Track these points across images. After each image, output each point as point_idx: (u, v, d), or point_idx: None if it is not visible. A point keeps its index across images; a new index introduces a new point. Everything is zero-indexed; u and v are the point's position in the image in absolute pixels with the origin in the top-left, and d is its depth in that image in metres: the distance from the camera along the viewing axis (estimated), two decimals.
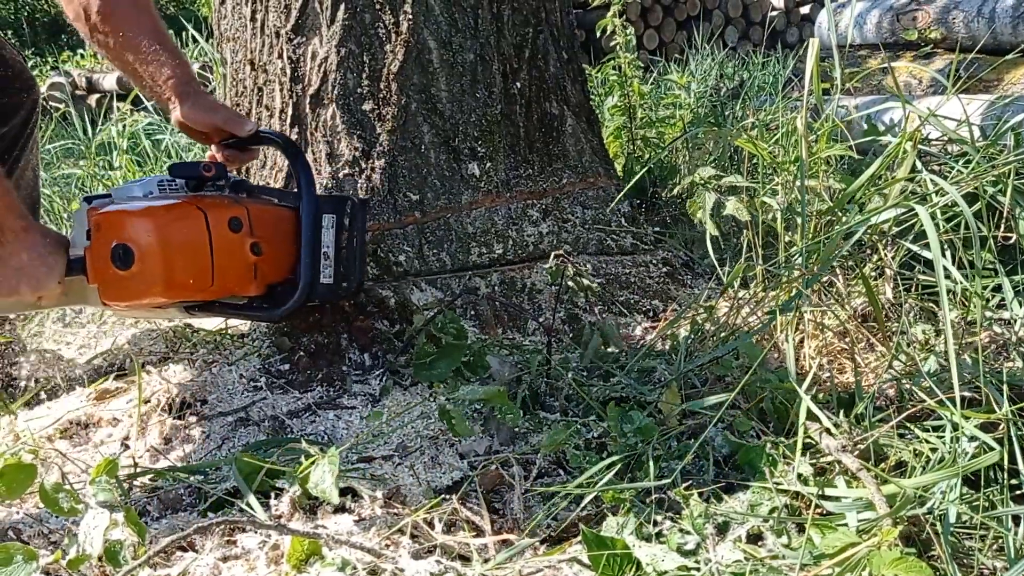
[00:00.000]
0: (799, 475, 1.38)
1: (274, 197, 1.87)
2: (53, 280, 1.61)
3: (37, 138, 2.13)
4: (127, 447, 1.75)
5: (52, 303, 1.72)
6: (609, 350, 1.93)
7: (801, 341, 1.75)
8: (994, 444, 1.26)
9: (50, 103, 6.09)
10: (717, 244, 2.20)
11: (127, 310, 1.77)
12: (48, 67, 10.50)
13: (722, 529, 1.33)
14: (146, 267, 1.59)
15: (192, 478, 1.58)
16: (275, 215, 1.75)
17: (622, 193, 2.26)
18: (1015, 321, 1.74)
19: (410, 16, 2.03)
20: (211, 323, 2.19)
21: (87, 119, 4.53)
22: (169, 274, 1.60)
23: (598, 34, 3.53)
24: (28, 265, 1.59)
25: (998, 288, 1.74)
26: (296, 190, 1.76)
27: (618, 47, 3.18)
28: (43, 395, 1.98)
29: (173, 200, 1.66)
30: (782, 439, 1.48)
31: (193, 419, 1.82)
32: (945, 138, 2.21)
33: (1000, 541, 1.26)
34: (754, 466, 1.45)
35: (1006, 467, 1.29)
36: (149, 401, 1.84)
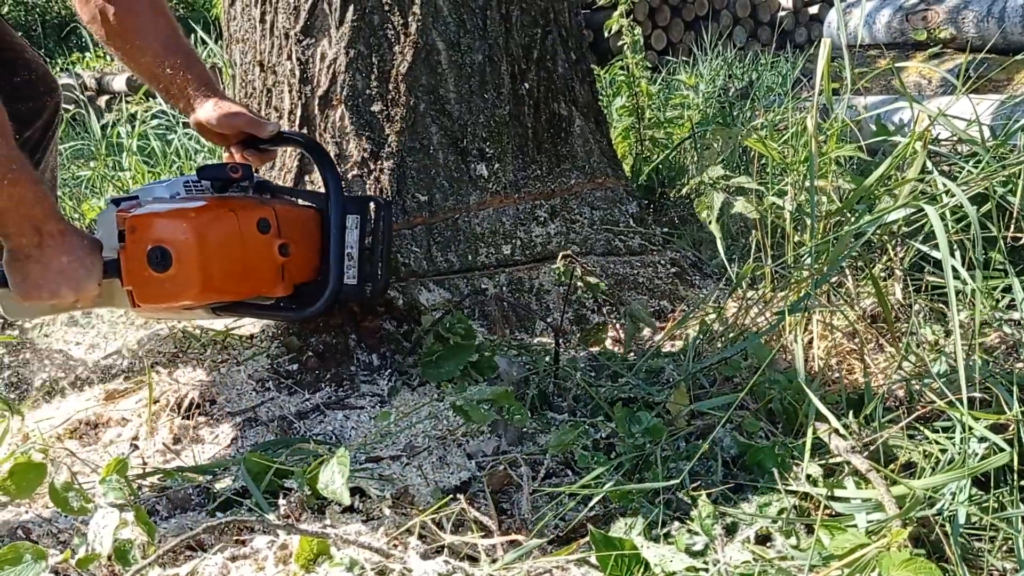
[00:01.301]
0: (808, 476, 1.37)
1: (297, 198, 1.88)
2: (93, 282, 1.61)
3: (57, 141, 2.14)
4: (136, 447, 1.76)
5: (88, 305, 1.73)
6: (645, 333, 1.92)
7: (810, 342, 1.75)
8: (1004, 445, 1.26)
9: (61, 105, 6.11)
10: (726, 244, 2.19)
11: (156, 312, 1.77)
12: (58, 68, 10.54)
13: (731, 530, 1.33)
14: (183, 269, 1.59)
15: (201, 478, 1.59)
16: (301, 216, 1.76)
17: (636, 195, 2.25)
18: None
19: (419, 17, 2.03)
20: (219, 323, 2.19)
21: (97, 120, 4.55)
22: (206, 276, 1.61)
23: (606, 34, 3.53)
24: (68, 268, 1.58)
25: (1008, 289, 1.73)
26: (314, 190, 1.76)
27: (625, 47, 3.17)
28: (52, 395, 1.98)
29: (203, 202, 1.67)
30: (791, 440, 1.48)
31: (202, 419, 1.83)
32: (955, 138, 2.20)
33: (1010, 543, 1.26)
34: (763, 467, 1.44)
35: (1016, 468, 1.28)
36: (158, 401, 1.85)
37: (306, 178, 2.11)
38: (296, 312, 1.76)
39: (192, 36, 6.09)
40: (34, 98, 1.97)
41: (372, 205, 1.81)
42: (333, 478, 1.39)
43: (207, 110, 1.79)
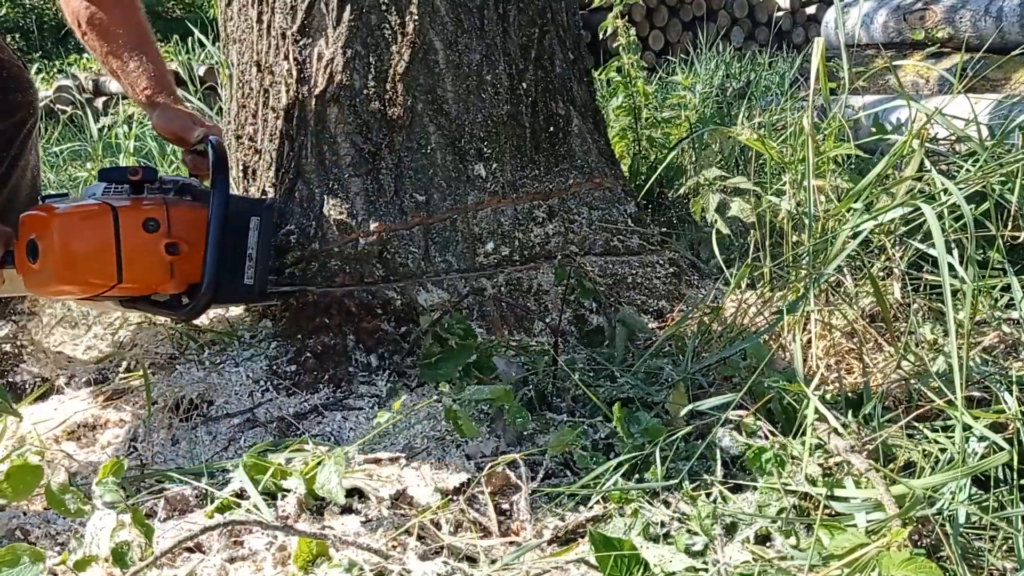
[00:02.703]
0: (807, 476, 1.37)
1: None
2: None
3: (36, 142, 2.15)
4: (134, 448, 1.75)
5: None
6: (637, 336, 1.93)
7: (809, 341, 1.74)
8: (1004, 444, 1.26)
9: (57, 106, 6.11)
10: (724, 244, 2.19)
11: (57, 299, 1.91)
12: (56, 70, 10.53)
13: (730, 530, 1.33)
14: (47, 261, 1.70)
15: (200, 479, 1.58)
16: (200, 217, 1.82)
17: (635, 195, 2.25)
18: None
19: (416, 17, 2.03)
20: (219, 325, 2.19)
21: (94, 121, 4.54)
22: (68, 269, 1.70)
23: (601, 35, 3.53)
24: None
25: (1007, 287, 1.73)
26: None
27: (621, 48, 3.17)
28: (49, 396, 1.98)
29: (91, 201, 1.76)
30: (790, 440, 1.48)
31: (200, 420, 1.82)
32: (953, 137, 2.20)
33: (1010, 542, 1.26)
34: (762, 467, 1.44)
35: (1016, 467, 1.28)
36: (156, 402, 1.84)
37: (302, 178, 2.11)
38: (181, 309, 1.83)
39: (188, 39, 6.09)
40: (5, 93, 2.02)
41: (268, 207, 1.92)
42: (328, 478, 1.39)
43: (155, 116, 1.92)
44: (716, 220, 2.07)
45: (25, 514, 1.51)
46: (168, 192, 1.86)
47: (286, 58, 2.10)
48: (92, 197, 1.80)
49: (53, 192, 2.00)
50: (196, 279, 1.80)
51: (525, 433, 1.66)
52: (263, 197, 2.09)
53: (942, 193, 1.63)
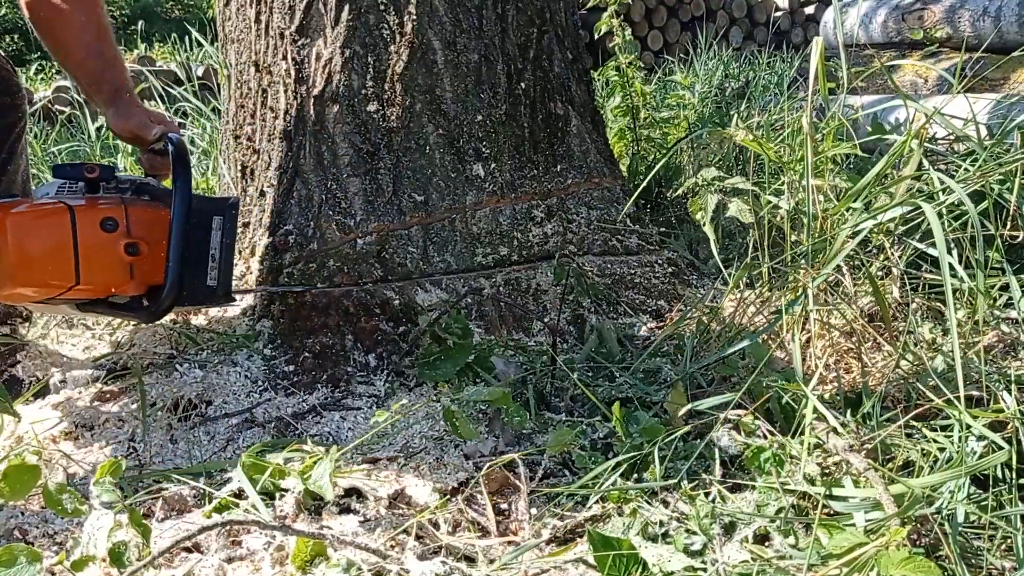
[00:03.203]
0: (806, 475, 1.37)
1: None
2: None
3: (25, 146, 2.13)
4: (132, 448, 1.75)
5: None
6: (603, 348, 1.92)
7: (807, 341, 1.74)
8: (1003, 443, 1.25)
9: (55, 106, 6.10)
10: (722, 244, 2.19)
11: (15, 302, 1.82)
12: (54, 71, 10.52)
13: (729, 529, 1.32)
14: (1, 262, 1.63)
15: (198, 480, 1.58)
16: (159, 217, 1.77)
17: (633, 195, 2.25)
18: (1023, 320, 1.72)
19: (414, 17, 2.03)
20: (218, 325, 2.18)
21: (92, 122, 4.54)
22: (23, 269, 1.64)
23: (595, 35, 3.53)
24: None
25: (1006, 287, 1.73)
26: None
27: (617, 48, 3.17)
28: (47, 395, 1.97)
29: (46, 200, 1.71)
30: (789, 439, 1.47)
31: (198, 420, 1.82)
32: (951, 136, 2.20)
33: (1009, 541, 1.25)
34: (760, 466, 1.44)
35: (1014, 466, 1.28)
36: (154, 403, 1.84)
37: (300, 178, 2.10)
38: (143, 311, 1.77)
39: (186, 39, 6.08)
40: None
41: (230, 207, 1.83)
42: (321, 475, 1.39)
43: (111, 115, 1.85)
44: (704, 223, 2.06)
45: (23, 514, 1.51)
46: (125, 192, 1.80)
47: (284, 58, 2.10)
48: (46, 196, 1.74)
49: (9, 193, 1.93)
50: (157, 280, 1.74)
51: (523, 433, 1.66)
52: (226, 196, 2.02)
53: (941, 192, 1.63)
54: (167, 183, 1.82)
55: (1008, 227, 1.71)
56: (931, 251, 1.65)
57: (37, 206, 1.69)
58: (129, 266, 1.71)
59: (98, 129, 4.48)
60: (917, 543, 1.25)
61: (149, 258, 1.73)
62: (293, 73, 2.09)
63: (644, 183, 2.35)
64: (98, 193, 1.77)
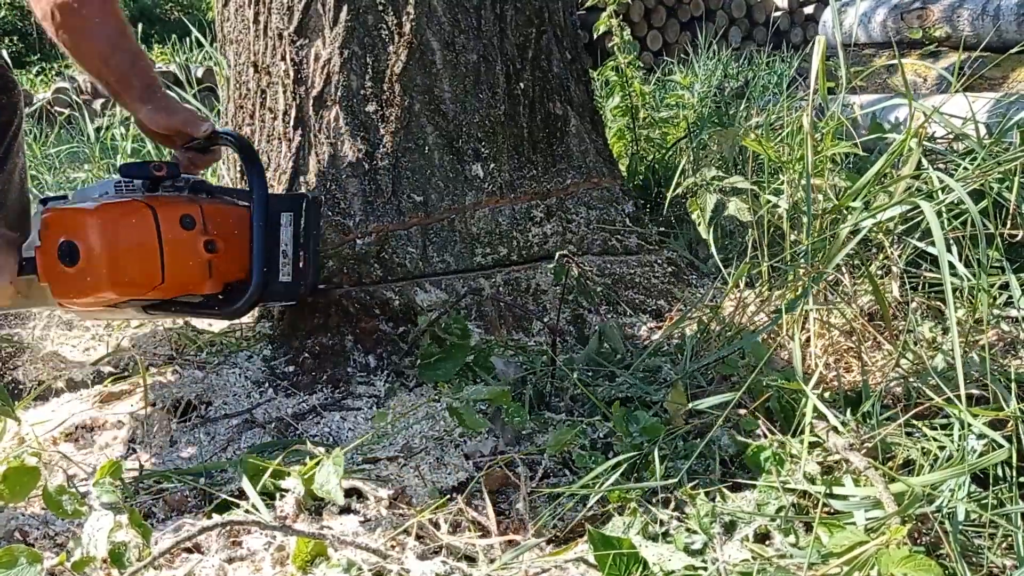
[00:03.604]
0: (806, 474, 1.37)
1: (236, 198, 1.86)
2: (4, 279, 1.63)
3: (22, 143, 2.12)
4: (132, 449, 1.75)
5: (8, 304, 1.74)
6: (604, 347, 1.92)
7: (807, 340, 1.74)
8: (1003, 442, 1.25)
9: (55, 108, 6.10)
10: (722, 243, 2.19)
11: (82, 309, 1.76)
12: (54, 72, 10.54)
13: (729, 528, 1.32)
14: (91, 263, 1.59)
15: (198, 480, 1.58)
16: (231, 213, 1.76)
17: (632, 195, 2.25)
18: (1022, 319, 1.73)
19: (413, 17, 2.03)
20: (217, 325, 2.19)
21: (91, 123, 4.54)
22: (114, 270, 1.61)
23: (594, 35, 3.53)
24: None
25: (1005, 285, 1.73)
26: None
27: (616, 47, 3.17)
28: (47, 398, 1.97)
29: (123, 198, 1.67)
30: (789, 438, 1.47)
31: (198, 421, 1.82)
32: (951, 135, 2.20)
33: (1009, 539, 1.25)
34: (761, 465, 1.44)
35: (1015, 465, 1.28)
36: (154, 404, 1.84)
37: (300, 179, 2.10)
38: (224, 310, 1.76)
39: (186, 38, 6.08)
40: None
41: (304, 202, 1.82)
42: (328, 478, 1.39)
43: (146, 112, 1.80)
44: (703, 223, 2.06)
45: (23, 515, 1.50)
46: (182, 190, 1.77)
47: (283, 59, 2.10)
48: (106, 196, 1.69)
49: (51, 194, 1.91)
50: (233, 277, 1.73)
51: (523, 433, 1.66)
52: (297, 193, 1.99)
53: (940, 191, 1.63)
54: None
55: (1008, 225, 1.71)
56: (931, 250, 1.65)
57: (116, 205, 1.64)
58: (208, 263, 1.69)
59: (97, 130, 4.48)
60: (918, 541, 1.25)
61: (224, 255, 1.71)
62: (292, 74, 2.09)
63: (644, 184, 2.35)
64: (158, 192, 1.73)
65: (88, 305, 1.71)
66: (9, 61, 2.04)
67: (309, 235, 1.82)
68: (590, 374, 1.82)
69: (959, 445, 1.31)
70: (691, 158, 2.93)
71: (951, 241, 1.60)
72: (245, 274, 1.74)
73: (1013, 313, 1.79)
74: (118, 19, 1.81)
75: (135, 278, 1.63)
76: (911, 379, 1.59)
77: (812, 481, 1.36)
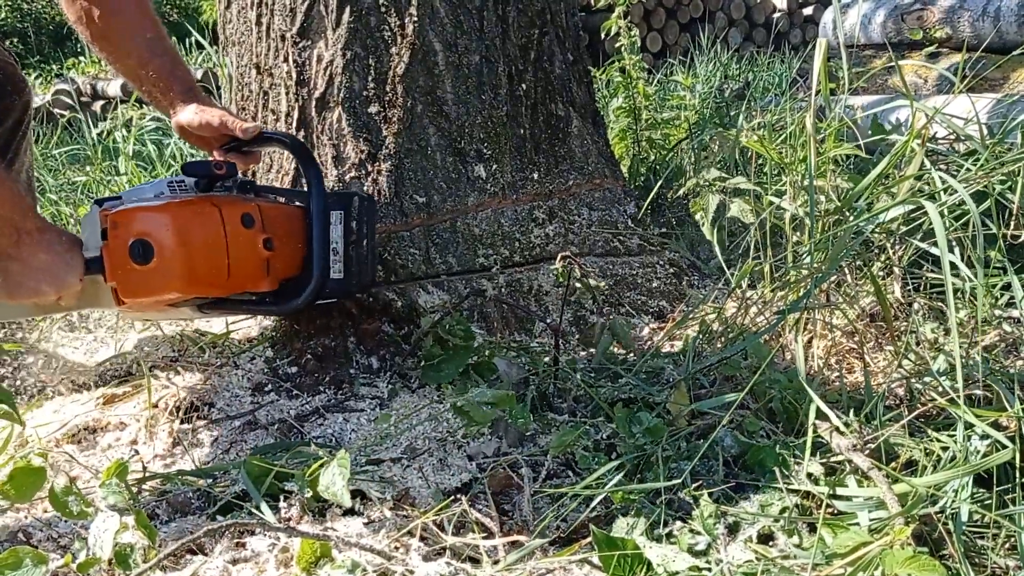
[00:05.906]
0: (809, 474, 1.37)
1: (281, 196, 1.89)
2: (74, 277, 1.62)
3: (31, 142, 2.12)
4: (136, 451, 1.75)
5: (71, 304, 1.73)
6: (618, 350, 1.92)
7: (810, 341, 1.75)
8: (1006, 442, 1.26)
9: (55, 109, 6.10)
10: (724, 244, 2.19)
11: (141, 309, 1.77)
12: (53, 74, 10.54)
13: (733, 529, 1.33)
14: (165, 261, 1.60)
15: (201, 481, 1.58)
16: (285, 212, 1.78)
17: (635, 195, 2.25)
18: None
19: (415, 18, 2.03)
20: (218, 326, 2.19)
21: (92, 125, 4.54)
22: (188, 268, 1.62)
23: (602, 36, 3.53)
24: (48, 265, 1.59)
25: (1007, 286, 1.73)
26: (297, 188, 1.77)
27: (623, 48, 3.18)
28: (51, 399, 1.98)
29: (187, 196, 1.68)
30: (792, 439, 1.48)
31: (201, 423, 1.82)
32: (952, 136, 2.20)
33: (1013, 540, 1.26)
34: (764, 466, 1.44)
35: (1018, 465, 1.28)
36: (157, 405, 1.84)
37: (302, 180, 2.10)
38: (282, 306, 1.78)
39: (187, 40, 6.09)
40: (1, 97, 1.96)
41: (356, 200, 1.83)
42: (334, 480, 1.38)
43: (188, 113, 1.80)
44: (705, 224, 2.07)
45: (28, 517, 1.51)
46: (231, 190, 1.77)
47: (285, 60, 2.10)
48: (163, 196, 1.68)
49: (106, 196, 1.87)
50: (287, 275, 1.75)
51: (527, 434, 1.66)
52: (348, 191, 1.99)
53: (943, 192, 1.63)
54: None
55: (1011, 227, 1.71)
56: (933, 250, 1.65)
57: (186, 204, 1.65)
58: (266, 261, 1.71)
59: (99, 133, 4.48)
60: (921, 542, 1.25)
61: (280, 254, 1.73)
62: (294, 75, 2.09)
63: (646, 185, 2.35)
64: (211, 192, 1.73)
65: (149, 305, 1.72)
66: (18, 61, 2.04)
67: (362, 232, 1.84)
68: (592, 375, 1.82)
69: (962, 446, 1.31)
70: (692, 159, 2.94)
71: (953, 242, 1.60)
72: (298, 271, 1.77)
73: (1015, 314, 1.79)
74: (153, 21, 1.82)
75: (205, 276, 1.64)
76: (913, 380, 1.59)
77: (816, 482, 1.36)
